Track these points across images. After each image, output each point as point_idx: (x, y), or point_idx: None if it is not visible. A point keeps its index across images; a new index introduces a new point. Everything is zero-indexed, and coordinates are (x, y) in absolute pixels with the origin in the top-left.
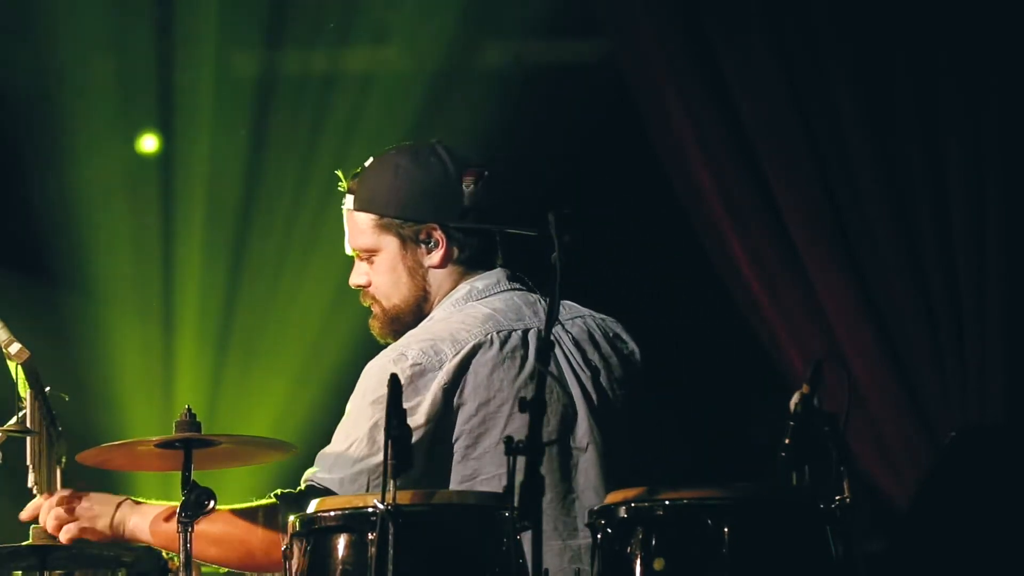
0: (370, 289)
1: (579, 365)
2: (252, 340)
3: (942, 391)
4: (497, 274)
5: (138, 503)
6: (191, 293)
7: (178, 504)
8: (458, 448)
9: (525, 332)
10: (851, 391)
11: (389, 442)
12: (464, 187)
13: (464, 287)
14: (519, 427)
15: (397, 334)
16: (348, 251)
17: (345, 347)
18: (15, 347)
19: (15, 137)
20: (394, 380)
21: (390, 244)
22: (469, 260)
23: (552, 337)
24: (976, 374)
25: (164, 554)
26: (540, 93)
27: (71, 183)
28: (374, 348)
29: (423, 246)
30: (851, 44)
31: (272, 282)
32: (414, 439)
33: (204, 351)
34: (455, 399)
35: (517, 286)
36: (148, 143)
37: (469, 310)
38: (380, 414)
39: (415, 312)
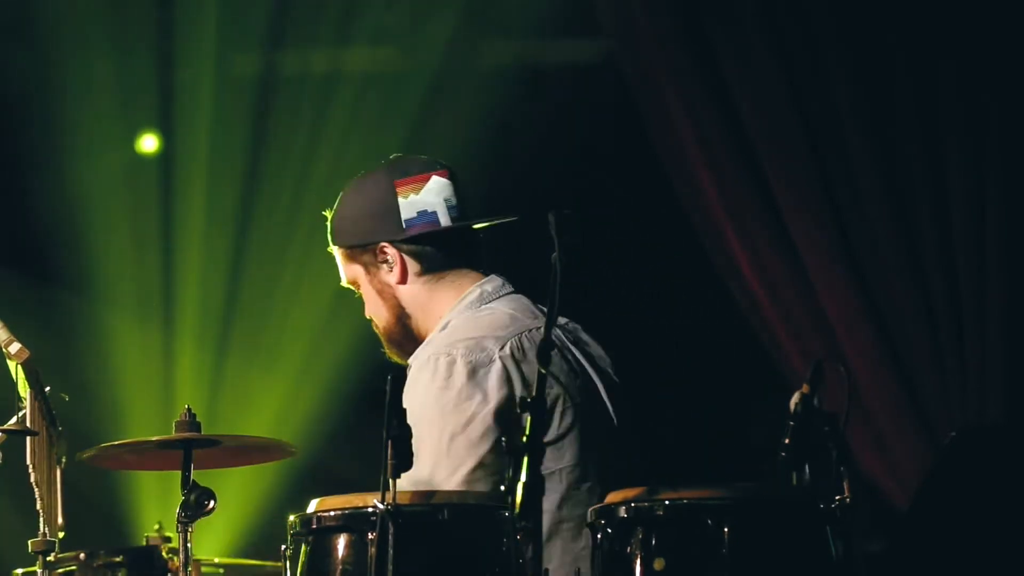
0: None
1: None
2: (252, 340)
3: (942, 391)
4: (500, 279)
5: None
6: (191, 293)
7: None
8: None
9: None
10: (851, 391)
11: (389, 442)
12: (400, 199)
13: (475, 290)
14: (570, 421)
15: (400, 353)
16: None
17: (345, 347)
18: (15, 347)
19: (15, 137)
20: (394, 380)
21: (359, 272)
22: (435, 267)
23: (565, 339)
24: (976, 374)
25: (164, 554)
26: (540, 93)
27: (71, 183)
28: (374, 348)
29: (383, 267)
30: (851, 44)
31: (272, 282)
32: (485, 429)
33: (204, 351)
34: (516, 390)
35: (513, 289)
36: (148, 143)
37: (489, 312)
38: (450, 421)
39: (401, 330)
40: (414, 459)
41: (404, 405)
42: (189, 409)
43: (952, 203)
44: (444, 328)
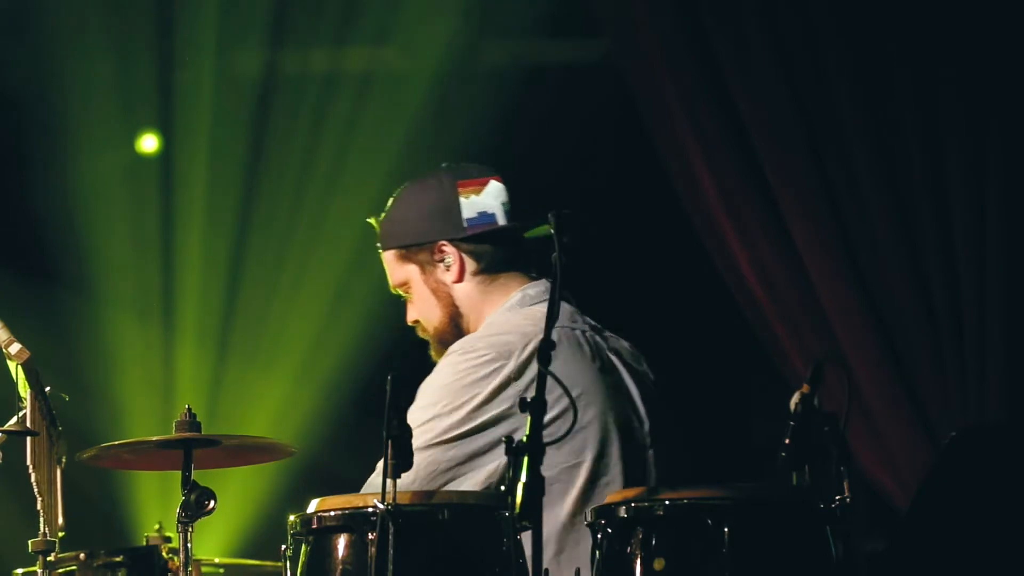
0: (420, 320)
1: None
2: (252, 340)
3: (942, 391)
4: (545, 283)
5: None
6: (191, 293)
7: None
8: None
9: (583, 332)
10: (851, 391)
11: (389, 442)
12: (462, 198)
13: (517, 294)
14: (592, 417)
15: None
16: (392, 291)
17: (345, 348)
18: (15, 347)
19: (15, 137)
20: (394, 380)
21: (413, 273)
22: (491, 267)
23: (589, 338)
24: (976, 374)
25: (164, 554)
26: (540, 93)
27: (71, 183)
28: (374, 349)
29: (439, 265)
30: (851, 44)
31: (272, 282)
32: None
33: (204, 351)
34: (523, 391)
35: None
36: (148, 143)
37: (526, 312)
38: (442, 400)
39: (454, 331)
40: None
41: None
42: (189, 409)
43: (953, 203)
44: (487, 325)
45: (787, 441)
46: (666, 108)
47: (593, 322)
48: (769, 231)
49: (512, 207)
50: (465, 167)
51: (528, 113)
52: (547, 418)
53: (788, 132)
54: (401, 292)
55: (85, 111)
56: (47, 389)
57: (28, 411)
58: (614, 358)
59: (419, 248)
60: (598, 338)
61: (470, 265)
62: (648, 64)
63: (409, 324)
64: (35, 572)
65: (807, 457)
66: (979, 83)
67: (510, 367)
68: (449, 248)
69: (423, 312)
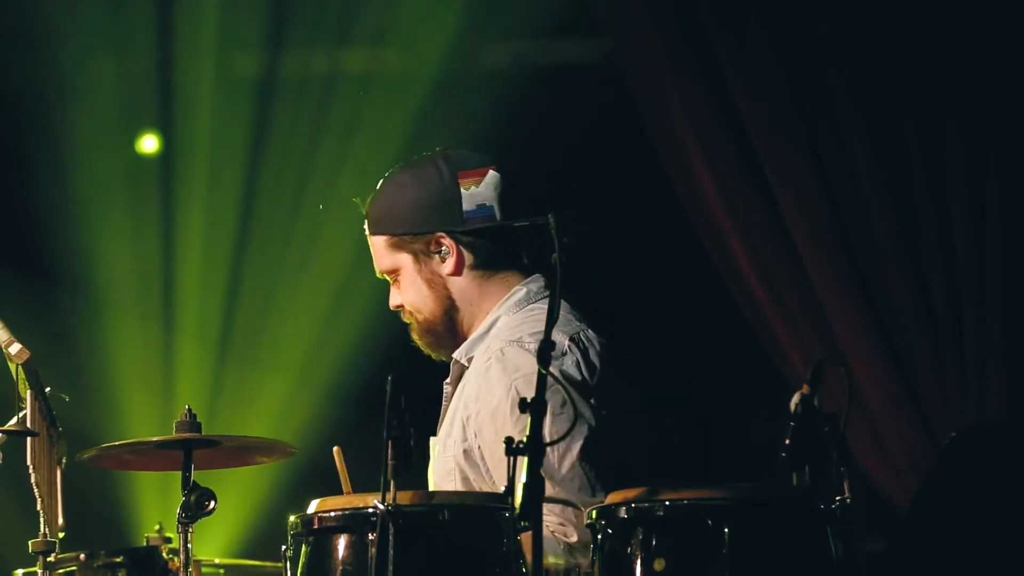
0: (405, 307)
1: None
2: (252, 340)
3: (942, 391)
4: (542, 279)
5: None
6: (191, 293)
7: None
8: None
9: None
10: (851, 391)
11: (389, 442)
12: (463, 190)
13: (521, 289)
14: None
15: (435, 345)
16: (377, 274)
17: (345, 348)
18: (15, 347)
19: (15, 137)
20: (395, 380)
21: (405, 261)
22: (488, 263)
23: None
24: (976, 374)
25: (164, 554)
26: (540, 93)
27: (71, 183)
28: (374, 349)
29: (436, 256)
30: (851, 44)
31: (272, 282)
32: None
33: (204, 351)
34: (587, 376)
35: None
36: (148, 143)
37: (537, 310)
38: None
39: (446, 323)
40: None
41: (476, 400)
42: (189, 409)
43: (952, 202)
44: (494, 324)
45: (787, 441)
46: (666, 108)
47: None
48: (769, 231)
49: (509, 199)
50: (462, 155)
51: (528, 113)
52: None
53: (788, 132)
54: (387, 277)
55: (85, 111)
56: (47, 389)
57: (28, 411)
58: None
59: (415, 237)
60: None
61: (468, 259)
62: (648, 64)
63: (392, 308)
64: (35, 572)
65: (807, 457)
66: (979, 83)
67: (568, 360)
68: (448, 240)
69: (412, 301)
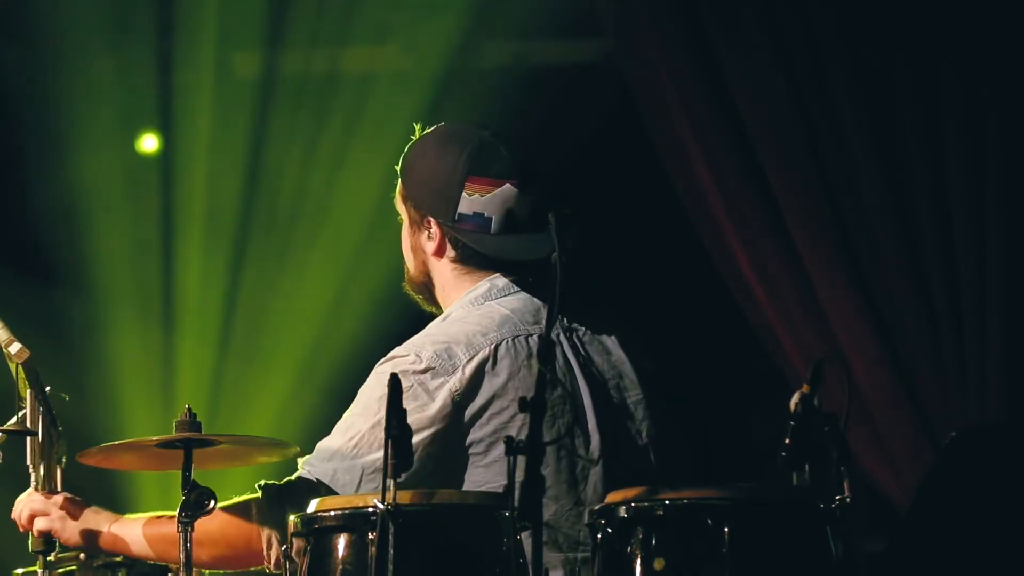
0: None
1: (591, 373)
2: (252, 340)
3: (942, 391)
4: (513, 276)
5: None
6: (191, 293)
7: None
8: (471, 455)
9: (528, 337)
10: (851, 391)
11: (389, 442)
12: (465, 194)
13: (484, 284)
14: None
15: (422, 299)
16: None
17: (345, 348)
18: (15, 347)
19: (15, 137)
20: (394, 380)
21: (405, 217)
22: (468, 259)
23: (557, 340)
24: (976, 374)
25: None
26: (540, 93)
27: (71, 183)
28: (374, 349)
29: (424, 232)
30: (851, 44)
31: (272, 282)
32: (414, 440)
33: (204, 351)
34: (468, 407)
35: (519, 289)
36: (148, 143)
37: (487, 310)
38: (377, 412)
39: (424, 289)
40: (336, 428)
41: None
42: (189, 409)
43: (952, 203)
44: (448, 316)
45: (787, 441)
46: (666, 108)
47: (567, 320)
48: (769, 231)
49: (517, 215)
50: (493, 154)
51: (528, 113)
52: (474, 434)
53: (788, 132)
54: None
55: (85, 111)
56: (47, 389)
57: (28, 411)
58: (574, 362)
59: (412, 204)
60: (563, 338)
61: (450, 251)
62: (648, 64)
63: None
64: (35, 572)
65: (807, 457)
66: (979, 83)
67: (452, 383)
68: (436, 227)
69: (404, 252)
